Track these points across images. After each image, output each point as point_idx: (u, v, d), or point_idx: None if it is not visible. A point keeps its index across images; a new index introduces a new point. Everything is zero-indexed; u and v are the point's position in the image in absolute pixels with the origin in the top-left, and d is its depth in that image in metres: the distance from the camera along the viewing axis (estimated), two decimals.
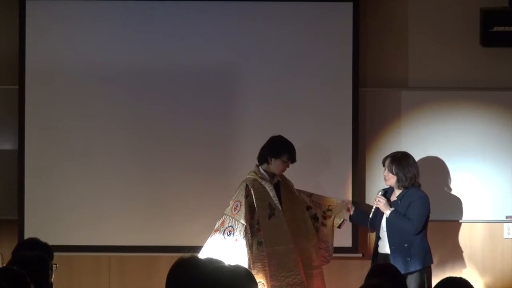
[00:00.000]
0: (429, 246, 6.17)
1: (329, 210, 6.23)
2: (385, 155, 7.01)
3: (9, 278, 3.72)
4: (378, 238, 6.26)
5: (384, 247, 6.18)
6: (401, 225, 6.07)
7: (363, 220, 6.39)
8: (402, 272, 5.97)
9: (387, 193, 6.25)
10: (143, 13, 7.04)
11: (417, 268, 6.05)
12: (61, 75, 7.04)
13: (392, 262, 6.02)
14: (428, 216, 6.16)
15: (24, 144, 7.01)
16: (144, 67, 7.04)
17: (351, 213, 6.33)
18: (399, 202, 6.14)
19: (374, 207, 6.21)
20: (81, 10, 7.03)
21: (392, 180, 6.18)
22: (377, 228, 6.25)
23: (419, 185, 6.20)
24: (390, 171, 6.17)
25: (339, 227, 6.26)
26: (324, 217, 6.24)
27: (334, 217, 6.22)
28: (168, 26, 7.04)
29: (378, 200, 6.17)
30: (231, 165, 6.95)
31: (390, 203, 6.17)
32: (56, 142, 7.03)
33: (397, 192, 6.20)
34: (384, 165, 6.24)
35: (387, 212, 6.12)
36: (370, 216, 6.23)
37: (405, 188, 6.15)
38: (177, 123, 7.04)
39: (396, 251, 6.08)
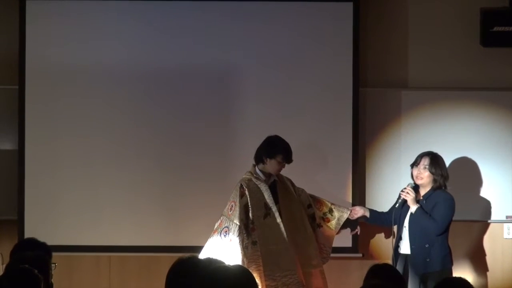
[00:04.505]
0: (449, 248, 6.10)
1: (330, 212, 6.21)
2: (385, 155, 7.03)
3: (20, 277, 3.74)
4: (399, 238, 6.16)
5: (405, 248, 6.10)
6: (424, 224, 5.98)
7: (379, 219, 6.35)
8: (421, 272, 5.95)
9: (414, 189, 6.15)
10: (143, 13, 7.03)
11: (436, 269, 5.97)
12: (61, 75, 7.04)
13: (411, 261, 6.01)
14: (451, 219, 6.08)
15: (24, 144, 7.01)
16: (144, 68, 7.03)
17: (368, 215, 6.29)
18: (424, 201, 6.07)
19: (401, 199, 6.10)
20: (81, 10, 7.02)
21: (426, 179, 6.08)
22: (400, 227, 6.16)
23: (445, 187, 6.12)
24: (429, 170, 6.06)
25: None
26: (324, 219, 6.23)
27: (335, 221, 6.20)
28: (168, 27, 7.04)
29: (407, 193, 6.06)
30: (231, 165, 6.94)
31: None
32: (56, 142, 7.03)
33: (423, 191, 6.13)
34: (418, 163, 6.11)
35: (413, 207, 6.03)
36: (396, 205, 6.14)
37: (438, 188, 6.06)
38: (177, 124, 7.03)
39: (416, 251, 6.01)
